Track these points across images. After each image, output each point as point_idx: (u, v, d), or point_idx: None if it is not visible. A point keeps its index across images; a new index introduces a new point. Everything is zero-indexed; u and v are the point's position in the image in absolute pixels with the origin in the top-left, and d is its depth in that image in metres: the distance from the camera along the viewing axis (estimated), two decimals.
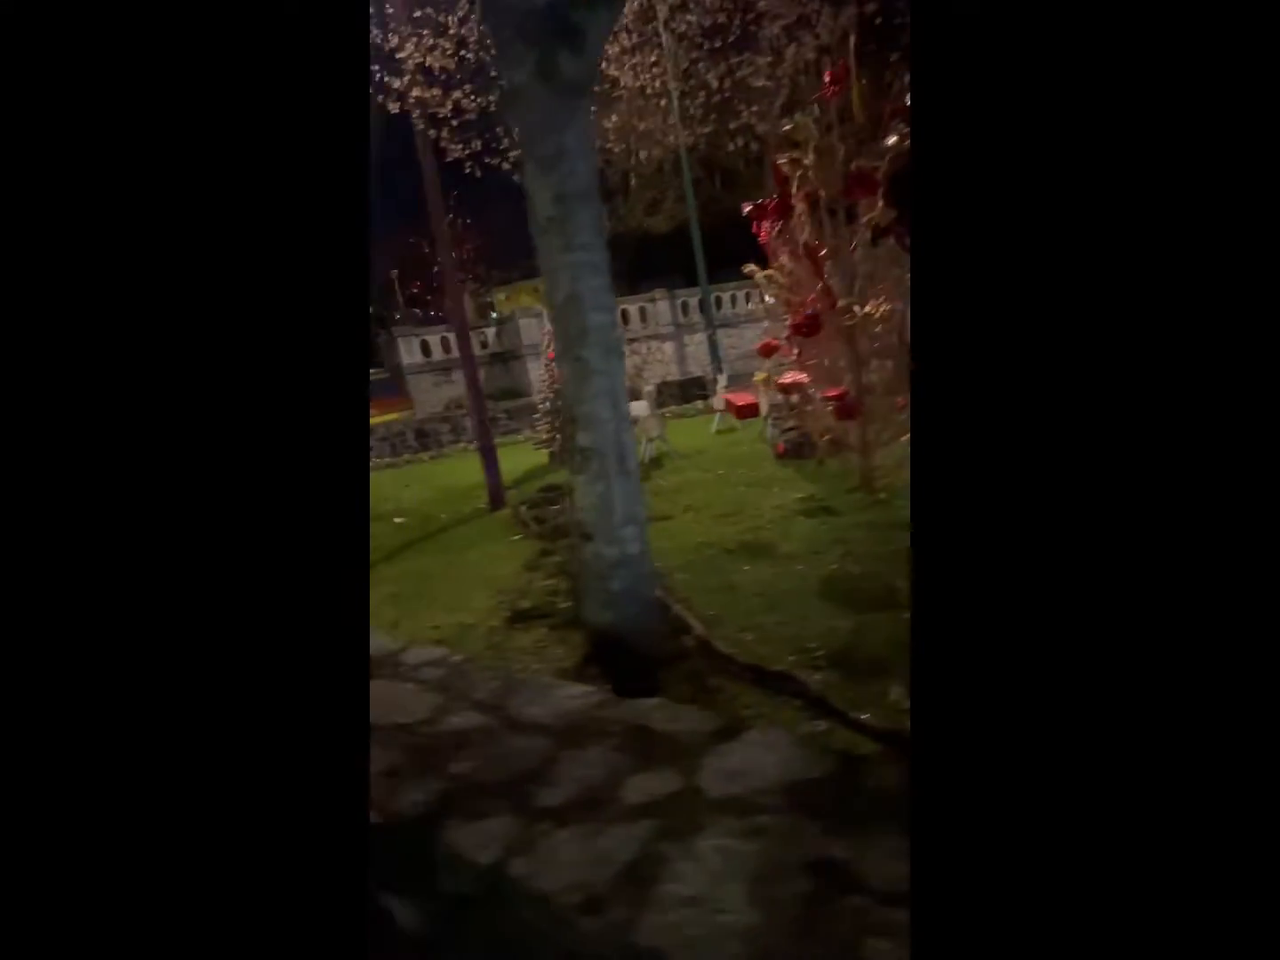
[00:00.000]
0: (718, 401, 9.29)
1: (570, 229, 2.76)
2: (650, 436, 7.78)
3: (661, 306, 19.39)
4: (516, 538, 5.61)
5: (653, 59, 5.45)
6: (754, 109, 5.30)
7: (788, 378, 6.35)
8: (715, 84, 5.33)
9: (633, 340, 18.35)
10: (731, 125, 5.49)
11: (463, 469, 9.78)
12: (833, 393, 4.87)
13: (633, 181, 21.39)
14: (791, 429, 6.75)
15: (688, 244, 19.39)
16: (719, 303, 19.85)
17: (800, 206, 4.91)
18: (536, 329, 18.34)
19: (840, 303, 4.81)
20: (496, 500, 6.83)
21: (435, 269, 23.08)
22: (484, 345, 18.79)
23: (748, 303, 20.23)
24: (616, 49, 5.47)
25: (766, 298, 10.59)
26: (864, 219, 4.80)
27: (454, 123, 5.33)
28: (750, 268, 10.61)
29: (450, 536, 5.98)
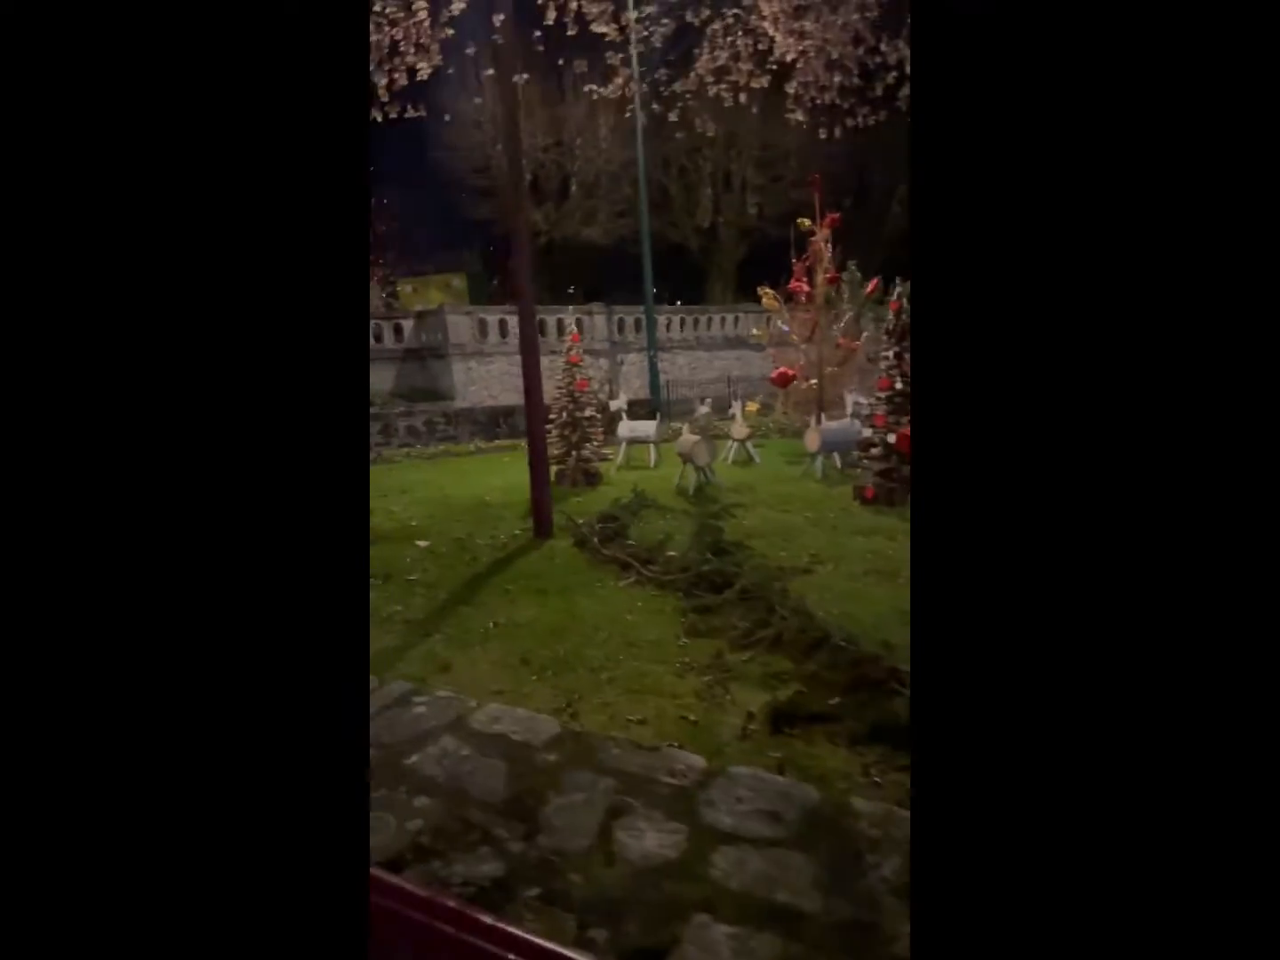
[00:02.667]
0: (737, 430, 8.45)
1: None
2: (698, 464, 6.79)
3: (599, 321, 18.38)
4: (624, 582, 4.43)
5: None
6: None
7: None
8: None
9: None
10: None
11: (436, 479, 8.31)
12: None
13: (573, 187, 20.34)
14: (889, 470, 6.00)
15: (622, 261, 18.60)
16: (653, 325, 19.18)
17: None
18: (466, 328, 16.78)
19: None
20: (544, 527, 5.56)
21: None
22: (398, 338, 16.98)
23: (681, 329, 19.69)
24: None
25: (779, 323, 9.99)
26: None
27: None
28: (764, 289, 9.98)
29: (520, 573, 4.68)
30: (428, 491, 7.67)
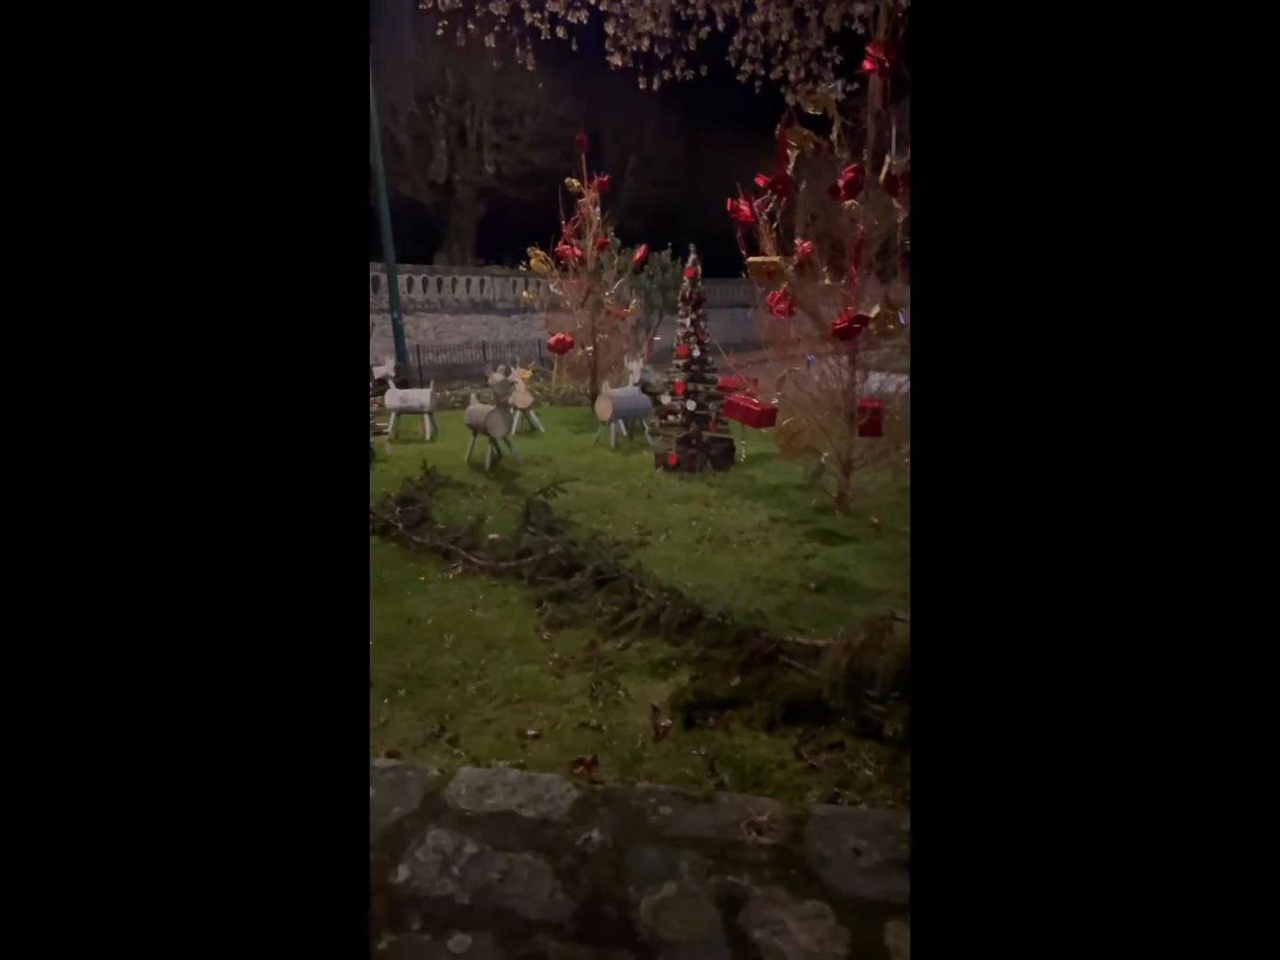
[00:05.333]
0: (520, 398, 8.00)
1: None
2: (495, 435, 6.30)
3: None
4: (452, 574, 3.92)
5: None
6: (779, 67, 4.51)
7: (729, 382, 5.69)
8: (720, 21, 4.42)
9: None
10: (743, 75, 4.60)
11: None
12: (868, 403, 4.38)
13: None
14: (689, 436, 6.05)
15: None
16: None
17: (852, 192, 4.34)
18: None
19: (875, 309, 4.37)
20: None
21: None
22: None
23: (424, 290, 18.40)
24: None
25: (551, 287, 9.63)
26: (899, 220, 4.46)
27: None
28: (535, 250, 9.54)
29: None
30: None
